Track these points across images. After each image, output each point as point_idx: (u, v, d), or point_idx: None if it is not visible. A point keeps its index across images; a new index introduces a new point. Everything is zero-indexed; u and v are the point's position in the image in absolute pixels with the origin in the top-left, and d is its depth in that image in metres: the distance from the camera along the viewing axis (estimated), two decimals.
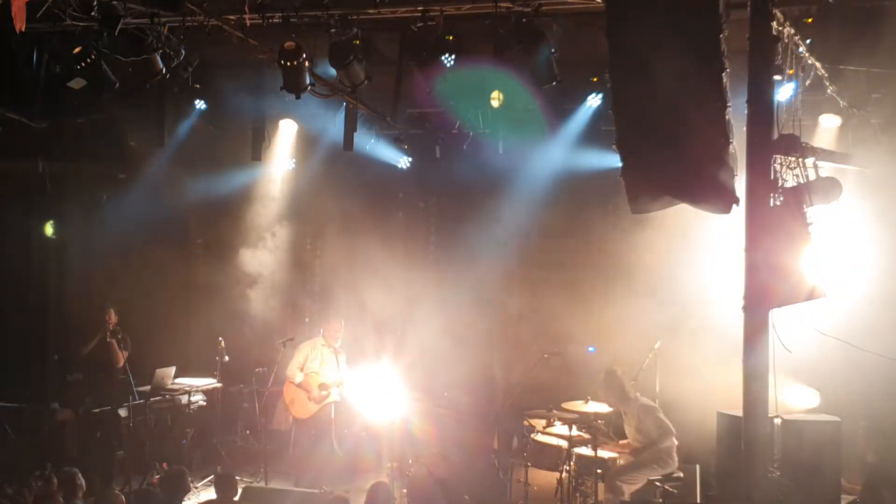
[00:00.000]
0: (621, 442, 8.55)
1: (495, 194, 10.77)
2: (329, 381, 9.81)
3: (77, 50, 7.39)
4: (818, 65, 7.40)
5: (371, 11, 7.09)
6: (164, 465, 9.56)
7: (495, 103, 8.99)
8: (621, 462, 8.35)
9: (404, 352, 10.96)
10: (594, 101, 9.49)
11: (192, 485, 9.06)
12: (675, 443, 8.31)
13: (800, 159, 5.51)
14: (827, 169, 6.85)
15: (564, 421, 8.33)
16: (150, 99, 9.73)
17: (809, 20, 6.48)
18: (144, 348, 10.40)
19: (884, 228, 8.09)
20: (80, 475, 7.39)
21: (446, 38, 7.22)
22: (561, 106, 9.58)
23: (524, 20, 6.85)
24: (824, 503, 8.10)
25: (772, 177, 5.32)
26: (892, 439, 7.61)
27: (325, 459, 9.64)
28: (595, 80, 9.09)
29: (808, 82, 7.05)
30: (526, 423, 8.97)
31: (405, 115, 10.68)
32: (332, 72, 7.60)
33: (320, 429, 9.88)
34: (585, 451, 8.13)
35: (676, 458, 8.32)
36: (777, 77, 5.80)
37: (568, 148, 10.38)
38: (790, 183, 5.43)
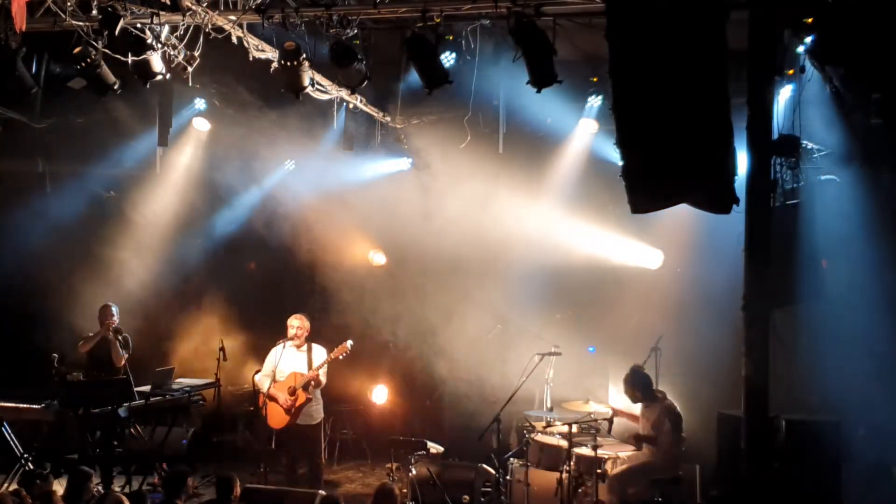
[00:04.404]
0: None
1: (495, 194, 10.77)
2: (297, 384, 8.97)
3: (77, 50, 7.38)
4: (818, 65, 7.40)
5: (371, 11, 7.09)
6: (164, 465, 9.55)
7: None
8: (626, 463, 8.36)
9: (404, 352, 10.98)
10: (594, 101, 9.50)
11: (192, 485, 9.07)
12: (683, 451, 8.33)
13: (799, 159, 5.53)
14: (826, 169, 6.89)
15: (564, 421, 8.34)
16: (150, 98, 9.73)
17: (809, 20, 6.47)
18: (144, 348, 10.40)
19: (883, 228, 8.10)
20: (94, 477, 7.36)
21: (446, 38, 7.23)
22: (561, 106, 9.58)
23: (524, 20, 6.84)
24: (824, 503, 8.12)
25: (772, 177, 5.33)
26: (892, 440, 7.62)
27: (321, 461, 9.34)
28: (595, 80, 9.09)
29: (808, 82, 7.05)
30: (526, 423, 8.98)
31: (405, 115, 10.71)
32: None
33: (308, 432, 9.14)
34: (585, 451, 8.13)
35: (681, 465, 8.35)
36: (777, 77, 5.80)
37: (568, 147, 10.41)
38: (790, 183, 5.45)
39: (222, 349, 10.53)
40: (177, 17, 7.17)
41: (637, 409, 8.64)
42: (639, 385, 8.41)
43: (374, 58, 7.96)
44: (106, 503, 7.00)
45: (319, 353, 9.14)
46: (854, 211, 7.91)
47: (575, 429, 8.21)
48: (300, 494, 8.12)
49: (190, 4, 7.02)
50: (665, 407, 8.33)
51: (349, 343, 9.00)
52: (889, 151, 8.00)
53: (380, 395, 11.41)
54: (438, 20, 7.03)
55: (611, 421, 8.62)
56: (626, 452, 8.41)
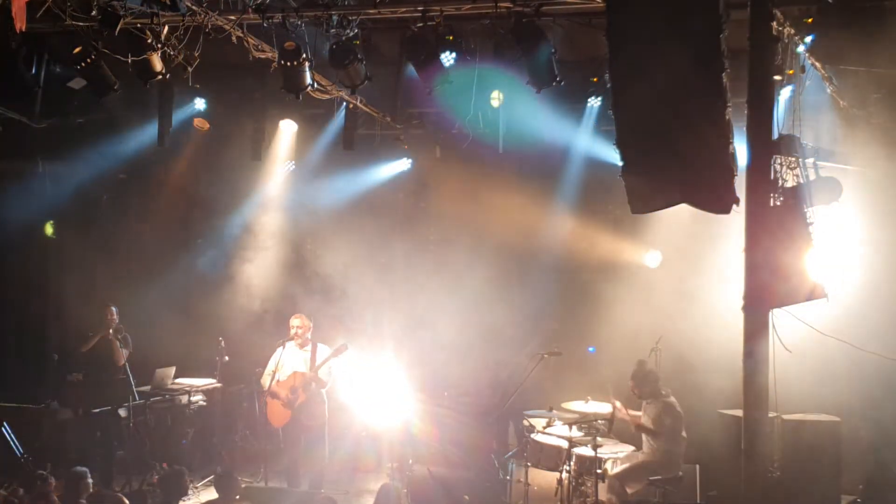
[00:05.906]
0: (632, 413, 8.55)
1: (495, 194, 10.77)
2: (298, 383, 9.03)
3: (77, 50, 7.39)
4: (818, 65, 7.41)
5: (371, 11, 7.10)
6: (165, 464, 9.56)
7: (495, 103, 9.02)
8: (626, 463, 8.36)
9: (405, 352, 10.97)
10: (594, 101, 9.50)
11: (191, 485, 9.07)
12: (683, 450, 8.33)
13: (800, 159, 5.52)
14: (827, 169, 6.86)
15: (564, 421, 8.34)
16: (150, 99, 9.73)
17: (809, 20, 6.48)
18: (144, 348, 10.40)
19: (883, 228, 8.11)
20: (88, 476, 7.40)
21: (446, 38, 7.24)
22: (561, 106, 9.59)
23: (524, 20, 6.85)
24: (824, 503, 8.11)
25: (772, 177, 5.32)
26: (892, 439, 7.62)
27: (322, 462, 9.29)
28: (595, 80, 9.09)
29: (807, 82, 7.06)
30: (526, 423, 8.98)
31: (405, 115, 10.71)
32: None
33: (310, 433, 9.17)
34: (585, 451, 8.13)
35: (682, 464, 8.35)
36: (777, 77, 5.80)
37: (568, 147, 10.41)
38: (790, 183, 5.44)
39: (222, 349, 10.55)
40: (177, 18, 7.18)
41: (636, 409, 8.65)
42: (647, 381, 8.42)
43: (374, 58, 7.96)
44: (106, 503, 7.02)
45: (323, 353, 9.15)
46: (854, 210, 7.90)
47: (575, 429, 8.20)
48: (301, 495, 8.12)
49: (190, 4, 7.02)
50: (666, 404, 8.33)
51: (345, 345, 9.09)
52: (888, 151, 8.00)
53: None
54: (439, 20, 7.04)
55: (611, 421, 8.60)
56: (626, 452, 8.42)
